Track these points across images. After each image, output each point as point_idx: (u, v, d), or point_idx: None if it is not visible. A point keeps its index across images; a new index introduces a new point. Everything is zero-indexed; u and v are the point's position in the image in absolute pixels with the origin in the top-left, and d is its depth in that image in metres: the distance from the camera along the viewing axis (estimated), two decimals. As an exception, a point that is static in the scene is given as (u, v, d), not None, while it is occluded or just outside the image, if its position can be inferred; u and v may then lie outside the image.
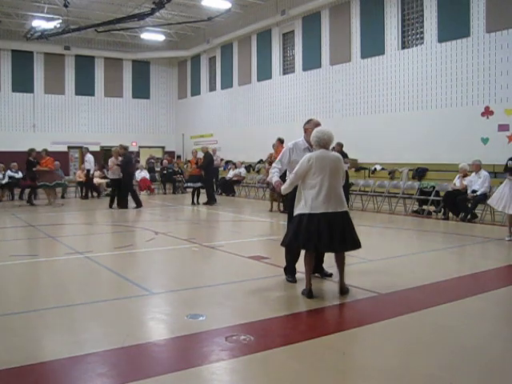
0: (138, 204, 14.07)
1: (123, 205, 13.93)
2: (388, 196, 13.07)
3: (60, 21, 20.92)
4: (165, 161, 20.86)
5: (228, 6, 20.10)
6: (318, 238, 4.83)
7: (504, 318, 4.63)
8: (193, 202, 15.10)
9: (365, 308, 4.92)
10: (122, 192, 14.11)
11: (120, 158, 14.20)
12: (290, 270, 5.74)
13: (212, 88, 26.03)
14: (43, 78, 25.42)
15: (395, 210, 12.50)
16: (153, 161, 22.99)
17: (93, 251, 7.62)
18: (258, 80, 22.50)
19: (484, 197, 10.66)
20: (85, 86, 26.34)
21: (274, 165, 5.72)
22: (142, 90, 27.91)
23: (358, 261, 6.72)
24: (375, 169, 16.28)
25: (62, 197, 17.58)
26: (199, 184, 15.28)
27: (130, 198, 14.19)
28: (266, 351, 3.65)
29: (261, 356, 3.57)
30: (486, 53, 14.09)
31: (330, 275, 5.78)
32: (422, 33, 15.95)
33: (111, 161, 14.45)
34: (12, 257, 7.12)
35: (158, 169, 21.12)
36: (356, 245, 5.09)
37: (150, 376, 3.27)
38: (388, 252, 6.90)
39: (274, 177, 5.55)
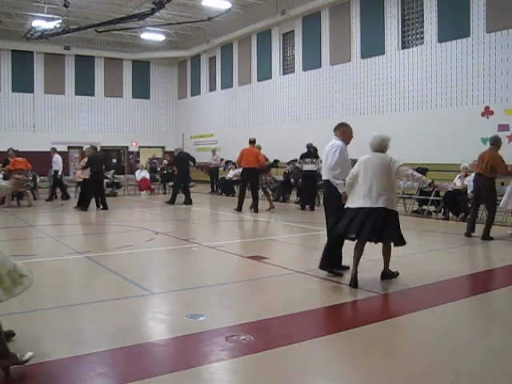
0: (104, 207, 13.62)
1: (83, 205, 13.42)
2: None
3: (60, 21, 20.90)
4: (165, 161, 20.85)
5: (228, 5, 20.09)
6: (360, 228, 5.31)
7: (504, 317, 4.63)
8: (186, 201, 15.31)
9: (365, 308, 4.92)
10: (86, 192, 13.74)
11: (85, 159, 14.12)
12: (334, 264, 5.92)
13: (212, 88, 26.02)
14: (43, 78, 25.40)
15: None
16: (155, 161, 22.96)
17: (93, 251, 7.62)
18: (258, 80, 22.49)
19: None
20: (85, 86, 26.32)
21: (336, 167, 5.77)
22: (142, 89, 27.88)
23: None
24: (375, 169, 16.27)
25: (62, 197, 17.57)
26: (170, 184, 15.70)
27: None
28: (266, 351, 3.65)
29: (261, 356, 3.57)
30: (486, 53, 14.08)
31: (348, 268, 5.92)
32: (422, 33, 15.94)
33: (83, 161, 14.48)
34: (12, 257, 7.10)
35: (159, 169, 21.14)
36: (397, 240, 5.55)
37: (150, 376, 3.27)
38: (388, 252, 6.91)
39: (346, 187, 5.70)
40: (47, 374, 3.38)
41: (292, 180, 15.88)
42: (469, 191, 10.89)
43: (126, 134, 27.24)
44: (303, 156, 13.81)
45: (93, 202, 13.84)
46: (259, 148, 13.53)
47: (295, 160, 18.47)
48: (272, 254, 7.69)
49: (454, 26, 14.75)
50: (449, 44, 14.97)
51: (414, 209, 12.43)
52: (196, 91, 27.26)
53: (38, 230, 10.41)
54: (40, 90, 25.39)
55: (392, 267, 6.56)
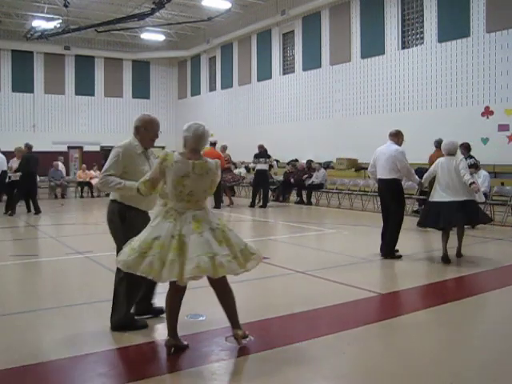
0: (37, 210, 12.71)
1: (11, 209, 12.41)
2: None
3: (60, 21, 20.89)
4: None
5: (228, 6, 20.08)
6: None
7: (503, 318, 4.63)
8: None
9: (365, 308, 4.92)
10: (16, 195, 12.72)
11: (15, 159, 13.28)
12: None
13: (212, 88, 26.02)
14: (43, 78, 25.39)
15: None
16: None
17: (93, 251, 7.62)
18: (258, 80, 22.49)
19: (484, 197, 10.64)
20: (85, 86, 26.31)
21: (411, 168, 7.27)
22: (142, 90, 27.87)
23: (359, 261, 6.72)
24: (375, 169, 16.26)
25: (62, 197, 17.60)
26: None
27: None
28: (265, 351, 3.65)
29: (261, 356, 3.57)
30: (486, 53, 14.07)
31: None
32: (422, 33, 15.94)
33: (12, 161, 13.45)
34: (12, 257, 7.13)
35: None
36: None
37: (149, 376, 3.27)
38: (388, 252, 6.92)
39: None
40: (47, 374, 3.38)
41: (292, 180, 15.89)
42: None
43: (125, 134, 26.67)
44: (257, 156, 14.51)
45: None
46: (225, 148, 15.10)
47: (296, 160, 18.53)
48: (272, 254, 7.69)
49: (454, 26, 14.74)
50: (449, 44, 14.96)
51: (415, 209, 12.42)
52: (196, 91, 27.25)
53: (38, 230, 10.41)
54: (40, 90, 25.38)
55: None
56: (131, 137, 4.30)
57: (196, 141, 3.63)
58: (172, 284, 3.56)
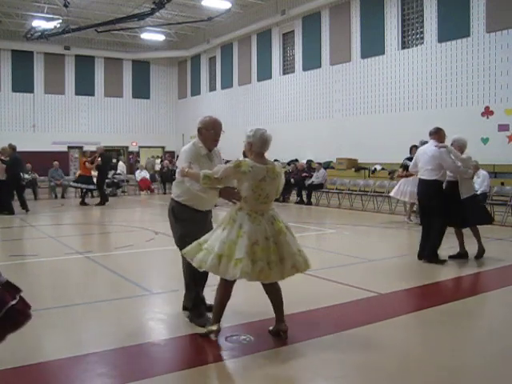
0: (10, 210, 12.31)
1: (9, 209, 12.32)
2: (388, 196, 13.05)
3: (60, 21, 20.88)
4: (166, 161, 20.69)
5: (228, 6, 20.07)
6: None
7: (504, 318, 4.63)
8: (83, 203, 14.94)
9: (365, 308, 4.92)
10: (5, 195, 12.51)
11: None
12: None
13: (212, 88, 26.02)
14: (43, 78, 25.40)
15: (395, 210, 12.49)
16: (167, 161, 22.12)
17: (93, 251, 7.63)
18: (258, 80, 22.49)
19: (484, 196, 10.63)
20: (85, 86, 26.31)
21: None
22: (142, 90, 27.88)
23: (359, 261, 6.73)
24: (375, 169, 16.27)
25: (62, 197, 17.59)
26: (92, 186, 15.37)
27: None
28: (265, 351, 3.65)
29: (261, 356, 3.57)
30: (486, 53, 14.07)
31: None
32: (422, 33, 15.94)
33: None
34: (12, 257, 7.12)
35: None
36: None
37: (149, 376, 3.27)
38: (388, 252, 6.91)
39: None
40: (47, 374, 3.38)
41: (292, 180, 15.89)
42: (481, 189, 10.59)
43: (125, 134, 27.22)
44: None
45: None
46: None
47: (296, 160, 18.53)
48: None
49: (454, 26, 14.74)
50: (449, 44, 14.96)
51: (414, 209, 12.40)
52: (196, 91, 27.25)
53: (38, 230, 10.40)
54: (40, 89, 25.38)
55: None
56: (195, 139, 4.62)
57: (262, 145, 3.86)
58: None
